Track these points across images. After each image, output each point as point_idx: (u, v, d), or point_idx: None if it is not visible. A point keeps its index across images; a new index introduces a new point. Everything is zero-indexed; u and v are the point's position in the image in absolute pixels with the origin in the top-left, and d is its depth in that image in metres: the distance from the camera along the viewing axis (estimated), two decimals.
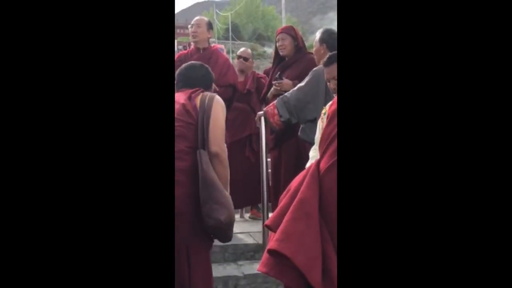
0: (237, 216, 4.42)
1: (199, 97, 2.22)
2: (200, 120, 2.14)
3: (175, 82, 2.37)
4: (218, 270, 3.10)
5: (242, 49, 4.72)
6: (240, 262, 3.28)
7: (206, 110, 2.16)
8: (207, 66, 2.50)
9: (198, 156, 2.07)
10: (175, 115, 2.09)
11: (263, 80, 4.37)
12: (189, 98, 2.21)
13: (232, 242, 3.38)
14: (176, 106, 2.14)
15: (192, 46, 4.11)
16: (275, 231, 1.16)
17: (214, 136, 2.14)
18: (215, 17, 40.05)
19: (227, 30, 37.43)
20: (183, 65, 2.46)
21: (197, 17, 4.12)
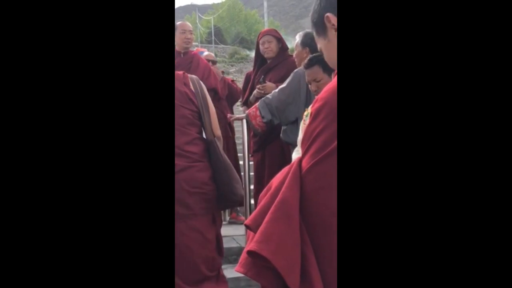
0: None
1: (190, 83, 2.36)
2: (199, 107, 2.32)
3: None
4: None
5: (206, 53, 4.66)
6: (223, 266, 3.26)
7: (202, 98, 2.34)
8: None
9: (213, 143, 2.31)
10: (180, 103, 2.26)
11: (233, 85, 4.40)
12: (185, 84, 2.34)
13: None
14: (176, 93, 2.27)
15: None
16: (254, 232, 1.14)
17: (215, 121, 2.38)
18: (197, 21, 40.02)
19: (210, 34, 37.40)
20: None
21: (185, 23, 4.16)
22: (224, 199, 2.33)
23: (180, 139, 2.21)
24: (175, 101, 2.26)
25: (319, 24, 1.27)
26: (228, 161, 2.36)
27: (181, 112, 2.27)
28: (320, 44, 1.31)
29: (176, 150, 2.19)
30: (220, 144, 2.37)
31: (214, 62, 4.52)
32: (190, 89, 2.35)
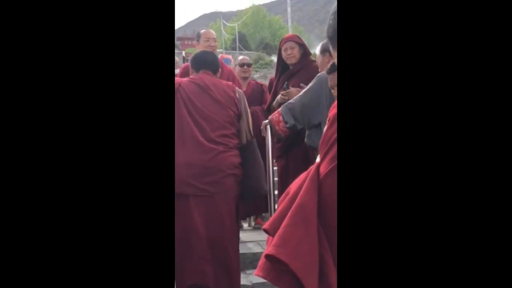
0: (245, 225, 4.43)
1: (236, 92, 2.88)
2: (241, 111, 2.85)
3: (192, 64, 2.99)
4: None
5: (241, 57, 4.82)
6: (248, 271, 3.27)
7: (243, 106, 2.87)
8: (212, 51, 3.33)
9: (254, 143, 2.87)
10: (228, 105, 2.78)
11: (263, 87, 4.43)
12: (233, 92, 2.86)
13: (241, 251, 3.38)
14: (226, 97, 2.80)
15: None
16: (273, 236, 1.15)
17: (250, 126, 2.91)
18: (222, 28, 40.31)
19: (234, 40, 37.64)
20: (197, 52, 3.16)
21: (209, 30, 4.21)
22: (253, 192, 2.82)
23: (219, 132, 2.71)
24: (225, 103, 2.78)
25: (335, 38, 1.29)
26: (261, 160, 2.85)
27: (227, 112, 2.79)
28: (336, 58, 1.33)
29: (213, 139, 2.68)
30: (256, 143, 2.88)
31: (249, 65, 4.60)
32: (236, 97, 2.85)
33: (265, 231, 1.21)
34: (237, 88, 2.93)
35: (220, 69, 3.02)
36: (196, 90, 2.75)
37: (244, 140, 2.84)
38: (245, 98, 2.93)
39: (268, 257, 1.14)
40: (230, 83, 3.01)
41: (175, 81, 2.78)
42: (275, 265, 1.15)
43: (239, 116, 2.82)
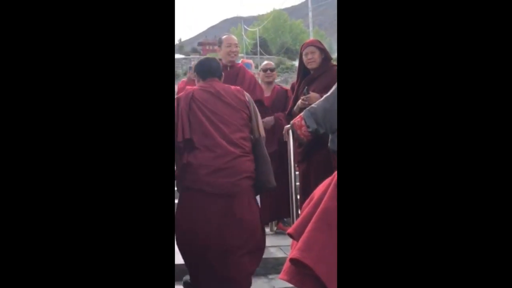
0: (267, 230, 4.42)
1: (246, 95, 3.05)
2: (251, 113, 3.02)
3: (197, 72, 3.11)
4: None
5: (265, 62, 4.82)
6: (270, 276, 3.27)
7: (253, 107, 3.04)
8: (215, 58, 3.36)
9: (261, 140, 3.03)
10: (240, 108, 2.96)
11: (288, 93, 4.41)
12: (243, 95, 3.03)
13: (263, 255, 3.40)
14: (237, 101, 2.97)
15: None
16: (297, 240, 1.17)
17: (260, 124, 3.07)
18: (243, 33, 40.43)
19: (255, 45, 37.73)
20: (201, 60, 3.22)
21: (230, 36, 4.23)
22: (262, 186, 2.98)
23: (238, 134, 2.88)
24: (237, 107, 2.95)
25: None
26: (268, 156, 3.02)
27: (241, 114, 2.95)
28: None
29: (234, 141, 2.85)
30: (263, 142, 3.04)
31: (272, 70, 4.61)
32: (246, 100, 3.02)
33: (290, 235, 1.22)
34: (244, 91, 3.12)
35: (223, 74, 3.19)
36: (209, 97, 2.91)
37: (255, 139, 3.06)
38: (253, 101, 3.12)
39: (292, 261, 1.16)
40: (239, 87, 3.16)
41: (186, 91, 2.97)
42: (299, 269, 1.16)
43: (250, 118, 3.01)
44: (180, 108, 2.83)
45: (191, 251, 2.78)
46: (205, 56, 3.59)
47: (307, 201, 1.32)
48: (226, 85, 3.08)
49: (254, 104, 3.09)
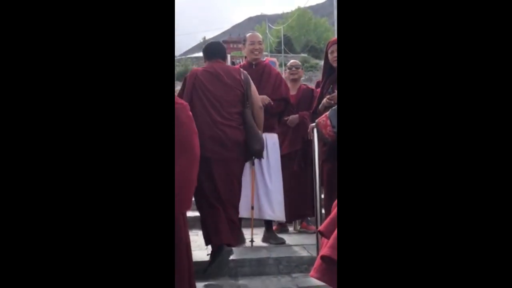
0: (291, 229, 4.42)
1: (242, 74, 3.49)
2: (245, 90, 3.45)
3: (203, 54, 3.68)
4: (272, 283, 3.10)
5: (291, 61, 4.83)
6: (294, 275, 3.27)
7: (248, 85, 3.47)
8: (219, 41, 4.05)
9: (247, 114, 3.43)
10: (235, 86, 3.42)
11: (314, 92, 4.38)
12: (238, 74, 3.49)
13: (286, 254, 3.39)
14: (232, 80, 3.44)
15: (244, 61, 4.22)
16: (328, 237, 1.17)
17: (257, 99, 3.51)
18: (267, 31, 40.42)
19: (279, 43, 37.67)
20: (207, 44, 3.73)
21: (254, 34, 4.21)
22: (250, 150, 3.43)
23: (231, 109, 3.39)
24: (232, 85, 3.42)
25: None
26: (255, 125, 3.45)
27: (235, 92, 3.42)
28: None
29: (228, 116, 3.37)
30: (261, 112, 3.53)
31: (297, 67, 4.62)
32: (241, 78, 3.46)
33: (320, 233, 1.23)
34: (242, 70, 3.58)
35: (227, 55, 3.68)
36: (209, 77, 3.44)
37: (255, 112, 3.50)
38: (249, 78, 3.52)
39: (323, 258, 1.16)
40: (237, 67, 3.74)
41: (192, 71, 3.56)
42: (330, 266, 1.16)
43: (245, 94, 3.45)
44: (186, 86, 3.40)
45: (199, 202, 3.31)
46: (211, 41, 3.94)
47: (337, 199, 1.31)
48: (227, 66, 3.62)
49: (251, 81, 3.51)
